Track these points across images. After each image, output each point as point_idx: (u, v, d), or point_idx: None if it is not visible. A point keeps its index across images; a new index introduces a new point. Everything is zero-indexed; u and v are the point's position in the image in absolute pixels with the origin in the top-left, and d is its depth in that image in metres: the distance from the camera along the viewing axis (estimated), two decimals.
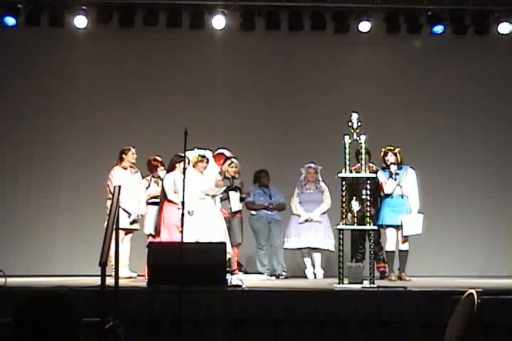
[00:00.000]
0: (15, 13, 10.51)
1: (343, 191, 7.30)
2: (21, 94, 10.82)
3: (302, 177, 9.38)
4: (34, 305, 2.66)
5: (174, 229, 8.25)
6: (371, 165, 8.61)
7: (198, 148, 8.59)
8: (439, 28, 10.79)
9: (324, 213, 9.27)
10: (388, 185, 8.59)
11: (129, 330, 5.51)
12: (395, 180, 8.57)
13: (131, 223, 8.64)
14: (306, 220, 9.18)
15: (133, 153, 8.82)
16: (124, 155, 8.79)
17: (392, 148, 8.67)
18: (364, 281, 7.04)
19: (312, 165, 9.35)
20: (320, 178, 9.37)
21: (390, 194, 8.58)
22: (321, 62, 10.97)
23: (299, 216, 9.24)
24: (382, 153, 8.69)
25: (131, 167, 8.83)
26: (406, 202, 8.53)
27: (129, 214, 8.60)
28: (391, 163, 8.61)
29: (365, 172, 7.41)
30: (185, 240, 6.02)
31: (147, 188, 9.06)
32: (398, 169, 8.61)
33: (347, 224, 7.38)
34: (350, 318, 6.06)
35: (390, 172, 8.59)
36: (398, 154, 8.63)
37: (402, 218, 8.43)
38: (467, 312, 3.45)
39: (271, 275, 9.10)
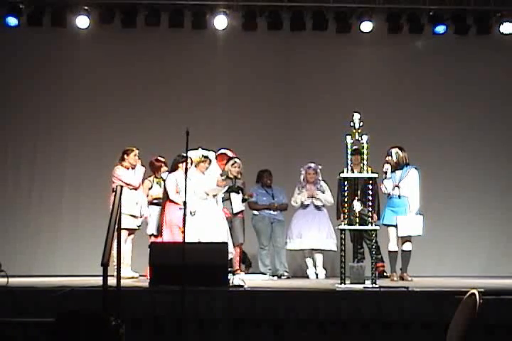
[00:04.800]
0: (17, 14, 10.53)
1: (344, 191, 7.30)
2: (23, 94, 10.83)
3: (302, 177, 9.37)
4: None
5: (176, 229, 8.26)
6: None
7: (202, 148, 8.60)
8: (441, 28, 10.81)
9: (324, 205, 9.26)
10: (384, 185, 8.59)
11: (131, 330, 5.52)
12: (385, 178, 8.55)
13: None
14: (310, 197, 9.15)
15: (135, 155, 8.80)
16: (125, 156, 8.78)
17: (393, 147, 8.66)
18: (366, 281, 7.04)
19: (312, 165, 9.33)
20: (320, 178, 9.37)
21: (390, 194, 8.57)
22: (323, 62, 10.98)
23: (302, 203, 9.20)
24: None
25: (132, 168, 8.82)
26: (405, 203, 8.50)
27: (134, 216, 8.65)
28: (385, 163, 8.60)
29: (367, 172, 7.41)
30: (187, 240, 6.02)
31: (150, 189, 9.06)
32: (398, 169, 8.59)
33: (349, 224, 7.38)
34: (352, 318, 6.05)
35: (385, 172, 8.59)
36: (396, 154, 8.61)
37: (398, 218, 8.42)
38: (469, 313, 3.45)
39: (273, 276, 9.10)
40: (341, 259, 7.15)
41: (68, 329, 2.90)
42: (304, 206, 9.27)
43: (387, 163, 8.61)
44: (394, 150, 8.61)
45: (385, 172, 8.57)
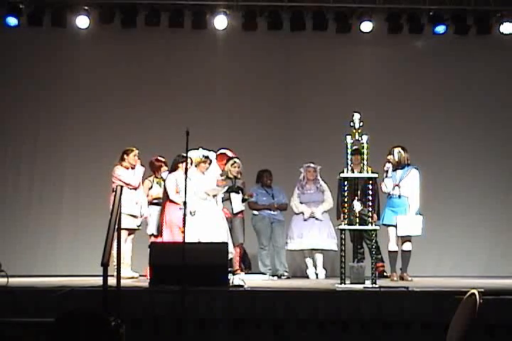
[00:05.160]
0: (17, 14, 10.54)
1: (344, 191, 7.29)
2: (23, 94, 10.83)
3: (302, 176, 9.38)
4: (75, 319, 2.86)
5: (176, 229, 8.25)
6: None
7: (203, 148, 8.60)
8: (441, 28, 10.81)
9: (326, 212, 9.28)
10: (383, 184, 8.59)
11: (131, 330, 5.52)
12: (386, 177, 8.55)
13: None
14: (311, 217, 9.17)
15: (135, 155, 8.80)
16: (125, 156, 8.78)
17: (395, 147, 8.65)
18: (366, 281, 7.04)
19: (311, 165, 9.36)
20: (319, 178, 9.38)
21: (390, 194, 8.57)
22: (323, 62, 10.98)
23: (302, 214, 9.22)
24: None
25: (131, 168, 8.81)
26: (405, 203, 8.50)
27: (134, 216, 8.65)
28: (387, 161, 8.60)
29: (367, 172, 7.40)
30: (187, 240, 6.02)
31: (150, 189, 9.06)
32: (399, 169, 8.59)
33: (349, 225, 7.38)
34: (351, 318, 6.05)
35: (386, 171, 8.58)
36: (398, 154, 8.60)
37: (398, 218, 8.42)
38: (469, 313, 3.45)
39: (273, 276, 9.10)
40: (341, 259, 7.15)
41: (68, 329, 2.90)
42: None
43: (389, 162, 8.60)
44: (396, 150, 8.61)
45: (386, 171, 8.56)
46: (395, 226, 8.45)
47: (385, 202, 8.73)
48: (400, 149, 8.62)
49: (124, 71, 10.87)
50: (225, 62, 10.92)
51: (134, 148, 8.84)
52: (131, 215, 8.56)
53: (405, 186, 8.52)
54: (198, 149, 8.51)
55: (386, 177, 8.57)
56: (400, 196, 8.50)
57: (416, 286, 6.85)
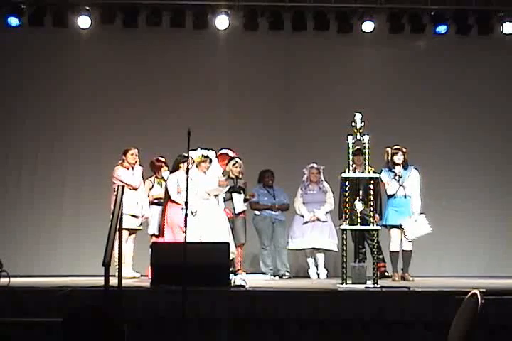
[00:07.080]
0: (18, 14, 10.54)
1: (346, 191, 7.29)
2: (25, 94, 10.83)
3: (305, 177, 9.39)
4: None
5: (178, 229, 8.26)
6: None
7: (202, 148, 8.61)
8: (442, 28, 10.79)
9: (328, 213, 9.29)
10: (391, 186, 8.58)
11: (133, 330, 5.51)
12: (398, 181, 8.55)
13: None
14: (307, 222, 9.19)
15: (132, 154, 8.79)
16: (124, 156, 8.79)
17: (400, 147, 8.63)
18: (367, 281, 7.04)
19: (315, 165, 9.36)
20: (323, 178, 9.38)
21: (393, 194, 8.56)
22: (324, 62, 10.98)
23: (303, 216, 9.25)
24: (390, 153, 8.64)
25: (132, 168, 8.81)
26: (409, 203, 8.52)
27: (135, 216, 8.64)
28: (397, 164, 8.57)
29: (369, 172, 7.40)
30: (188, 240, 6.02)
31: (151, 189, 9.06)
32: (404, 169, 8.59)
33: (350, 225, 7.37)
34: (353, 318, 6.05)
35: (395, 173, 8.55)
36: (406, 155, 8.61)
37: (403, 223, 8.41)
38: (471, 313, 3.45)
39: (274, 276, 9.10)
40: (343, 259, 7.14)
41: (71, 328, 2.90)
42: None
43: (398, 164, 8.57)
44: (404, 150, 8.61)
45: (398, 176, 8.53)
46: (398, 226, 8.46)
47: (386, 202, 8.72)
48: (404, 149, 8.63)
49: (125, 71, 10.87)
50: (226, 62, 10.91)
51: (132, 147, 8.84)
52: (132, 215, 8.56)
53: (409, 186, 8.54)
54: (196, 149, 8.51)
55: (398, 180, 8.53)
56: (405, 196, 8.52)
57: (417, 286, 6.85)
